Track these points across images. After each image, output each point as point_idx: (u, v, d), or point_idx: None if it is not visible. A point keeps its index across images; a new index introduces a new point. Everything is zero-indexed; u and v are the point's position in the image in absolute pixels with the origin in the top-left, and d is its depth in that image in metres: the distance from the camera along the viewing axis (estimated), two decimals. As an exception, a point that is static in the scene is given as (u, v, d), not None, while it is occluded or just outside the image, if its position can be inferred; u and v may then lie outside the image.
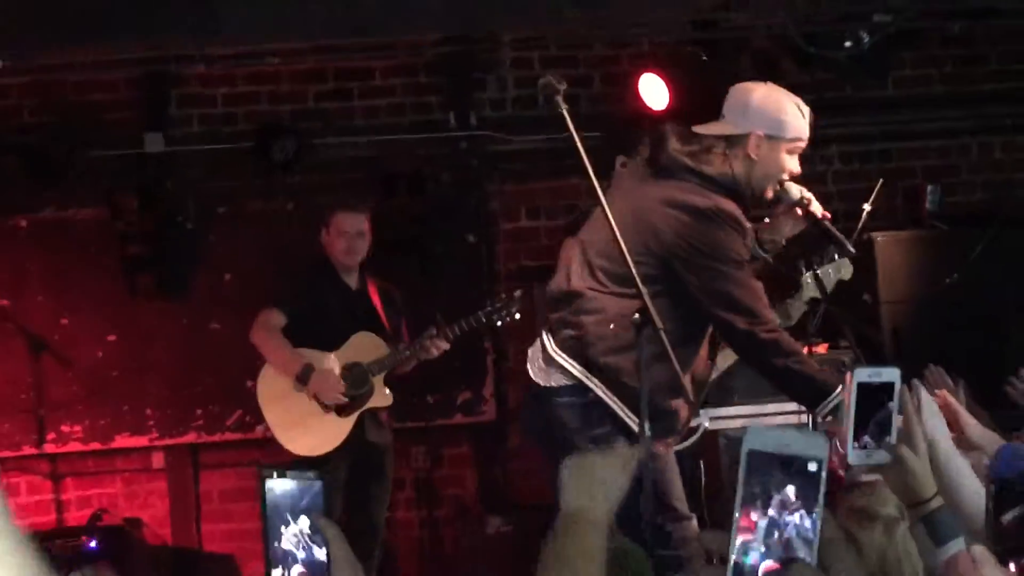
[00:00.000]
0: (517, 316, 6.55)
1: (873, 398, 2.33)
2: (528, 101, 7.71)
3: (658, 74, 7.14)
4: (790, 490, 1.73)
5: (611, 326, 4.52)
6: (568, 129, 4.52)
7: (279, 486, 2.35)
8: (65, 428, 7.53)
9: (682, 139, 4.72)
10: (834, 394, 4.32)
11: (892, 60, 7.25)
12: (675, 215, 4.52)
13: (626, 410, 4.50)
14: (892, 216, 7.33)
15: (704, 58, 7.11)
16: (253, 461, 7.65)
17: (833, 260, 5.20)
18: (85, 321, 7.57)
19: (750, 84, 4.82)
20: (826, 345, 6.14)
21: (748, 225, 4.61)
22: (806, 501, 1.73)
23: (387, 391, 6.49)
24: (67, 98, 7.57)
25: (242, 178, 7.58)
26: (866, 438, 2.31)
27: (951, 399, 3.40)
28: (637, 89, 7.21)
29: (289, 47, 7.44)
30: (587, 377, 4.56)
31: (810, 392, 4.46)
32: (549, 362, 4.66)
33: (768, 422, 5.90)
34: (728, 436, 6.19)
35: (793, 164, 4.66)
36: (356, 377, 6.37)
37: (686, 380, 4.55)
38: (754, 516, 1.74)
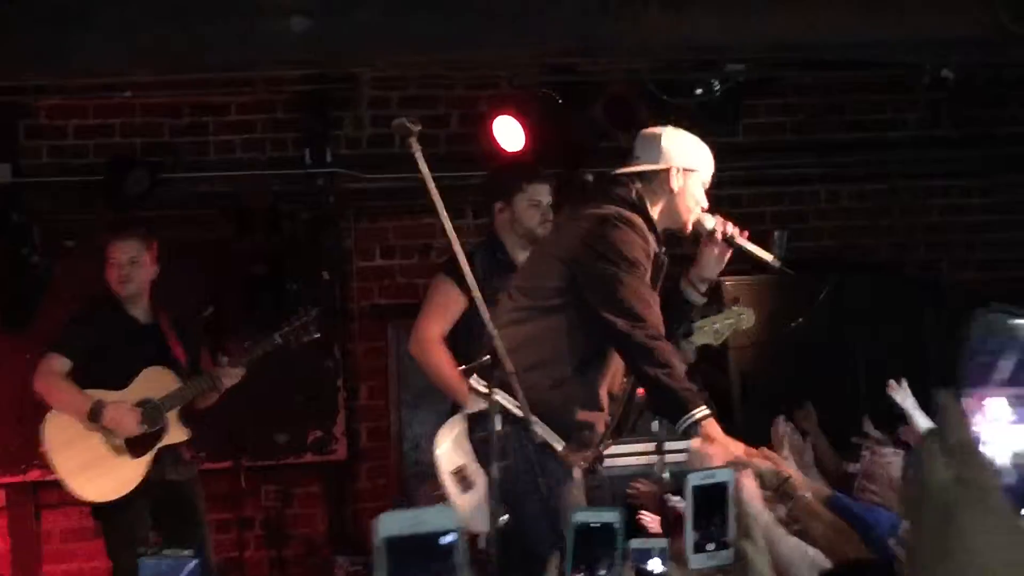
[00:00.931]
0: (316, 335, 6.37)
1: (709, 499, 2.35)
2: (385, 140, 7.71)
3: (513, 116, 7.20)
4: None
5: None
6: (420, 170, 4.57)
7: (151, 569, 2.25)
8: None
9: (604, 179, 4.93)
10: (695, 412, 4.39)
11: (743, 108, 7.41)
12: (582, 224, 4.66)
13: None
14: (740, 260, 7.44)
15: (559, 101, 7.19)
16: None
17: (731, 309, 5.34)
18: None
19: (656, 127, 5.05)
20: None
21: (652, 241, 4.71)
22: None
23: (183, 426, 6.23)
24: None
25: (92, 212, 7.44)
26: (707, 542, 2.32)
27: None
28: (492, 130, 7.26)
29: (144, 80, 7.36)
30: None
31: (672, 407, 4.49)
32: None
33: (618, 462, 5.96)
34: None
35: (701, 196, 4.86)
36: (149, 413, 6.11)
37: (602, 393, 4.64)
38: None
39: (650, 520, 5.54)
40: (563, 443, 4.56)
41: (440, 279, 5.68)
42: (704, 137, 7.71)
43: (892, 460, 4.59)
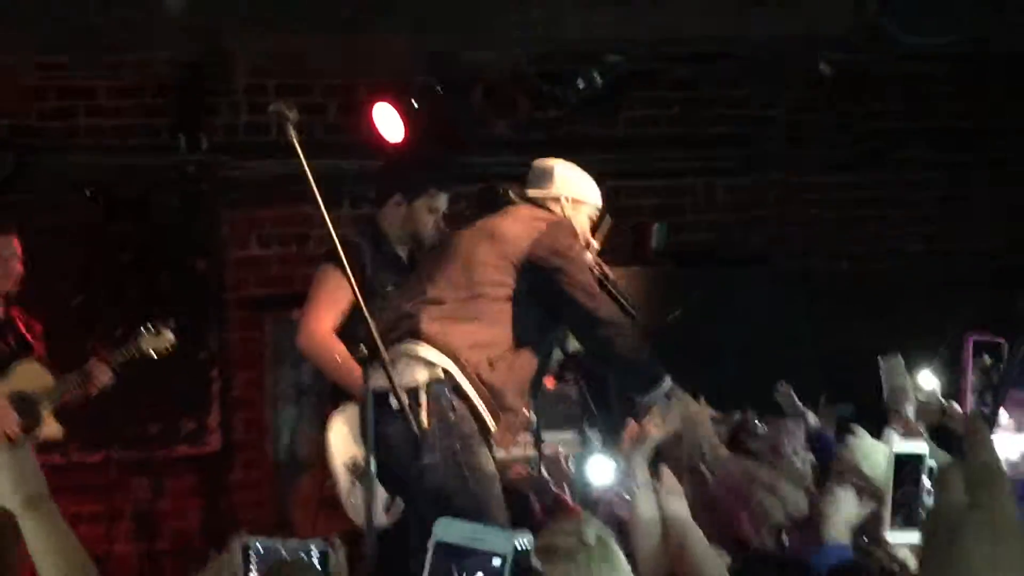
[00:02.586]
0: (170, 347, 6.31)
1: (905, 470, 2.28)
2: (261, 127, 7.59)
3: (393, 105, 7.13)
4: None
5: None
6: (298, 157, 4.51)
7: None
8: None
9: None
10: (664, 383, 4.67)
11: (622, 100, 7.43)
12: (533, 224, 4.83)
13: None
14: (619, 252, 7.46)
15: (439, 91, 7.14)
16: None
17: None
18: None
19: (548, 158, 5.23)
20: (552, 379, 6.19)
21: None
22: None
23: (56, 423, 6.09)
24: None
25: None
26: (905, 517, 2.26)
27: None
28: (372, 119, 7.19)
29: (10, 61, 7.17)
30: None
31: (643, 379, 4.74)
32: None
33: (498, 454, 5.92)
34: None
35: (588, 225, 5.06)
36: (25, 409, 5.97)
37: (526, 387, 4.80)
38: None
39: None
40: (494, 424, 4.67)
41: (326, 269, 5.49)
42: (584, 128, 7.79)
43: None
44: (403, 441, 4.55)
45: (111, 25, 6.31)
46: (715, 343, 7.32)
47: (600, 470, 4.79)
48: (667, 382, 4.69)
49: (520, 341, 4.75)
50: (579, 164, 7.85)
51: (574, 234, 4.89)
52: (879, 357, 4.93)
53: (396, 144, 7.23)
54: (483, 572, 1.61)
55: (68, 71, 7.40)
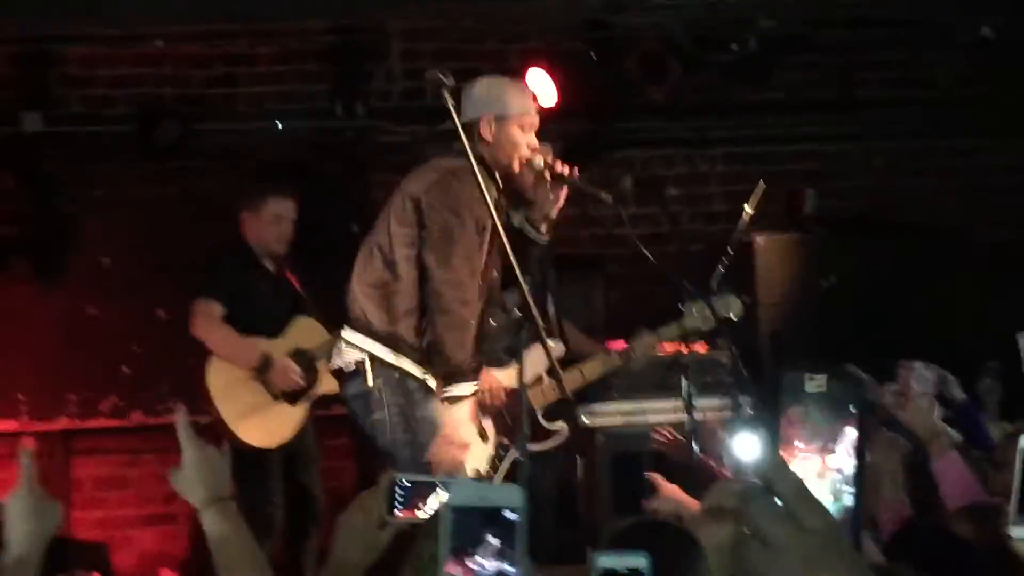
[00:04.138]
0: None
1: None
2: (416, 93, 7.68)
3: (546, 70, 7.16)
4: (490, 538, 1.72)
5: None
6: (454, 123, 4.60)
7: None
8: (-70, 411, 7.36)
9: None
10: (463, 384, 4.92)
11: (776, 65, 7.36)
12: (428, 175, 5.04)
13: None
14: (772, 219, 7.42)
15: (592, 55, 7.15)
16: (127, 448, 7.56)
17: (722, 297, 5.39)
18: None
19: (478, 78, 5.25)
20: (704, 345, 6.18)
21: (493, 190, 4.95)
22: (506, 547, 1.72)
23: (332, 377, 6.35)
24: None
25: (122, 162, 7.45)
26: None
27: None
28: (525, 84, 7.22)
29: (175, 30, 7.36)
30: None
31: (442, 367, 4.93)
32: None
33: (648, 420, 5.95)
34: (607, 433, 6.20)
35: (529, 138, 4.99)
36: (304, 364, 6.23)
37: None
38: (457, 568, 1.72)
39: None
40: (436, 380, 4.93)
41: None
42: (737, 94, 7.73)
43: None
44: (356, 399, 5.03)
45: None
46: (869, 309, 7.23)
47: (747, 445, 4.77)
48: (460, 389, 4.97)
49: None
50: (732, 129, 7.94)
51: (460, 198, 4.89)
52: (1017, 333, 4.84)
53: (548, 110, 7.27)
54: (501, 527, 1.66)
55: (230, 39, 7.56)
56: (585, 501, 6.20)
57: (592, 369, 5.29)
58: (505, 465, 5.31)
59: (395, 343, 4.95)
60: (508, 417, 5.36)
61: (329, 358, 6.19)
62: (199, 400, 6.10)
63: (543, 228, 5.05)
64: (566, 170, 4.97)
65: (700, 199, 8.01)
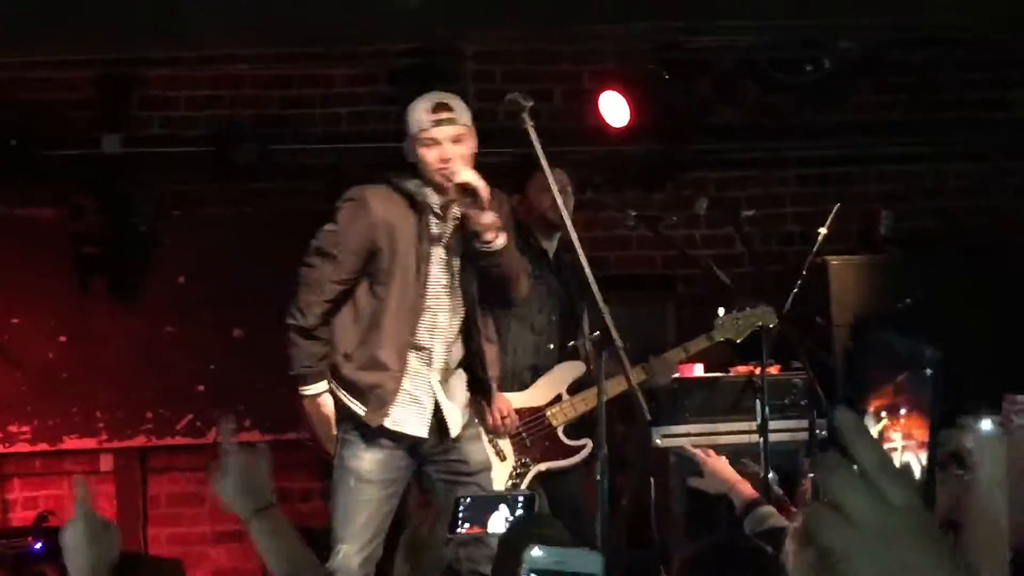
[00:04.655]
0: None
1: None
2: (488, 114, 7.70)
3: (619, 91, 7.18)
4: None
5: None
6: (532, 145, 4.62)
7: None
8: (13, 428, 7.47)
9: None
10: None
11: (853, 86, 7.33)
12: None
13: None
14: (847, 240, 7.38)
15: (666, 77, 7.15)
16: (202, 466, 7.63)
17: (753, 308, 5.42)
18: (37, 321, 7.50)
19: None
20: (779, 367, 6.16)
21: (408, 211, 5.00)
22: None
23: None
24: (26, 96, 7.51)
25: (200, 182, 7.55)
26: None
27: None
28: (598, 105, 7.25)
29: (253, 52, 7.45)
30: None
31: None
32: None
33: (720, 441, 5.93)
34: (679, 455, 6.18)
35: (433, 154, 4.95)
36: None
37: (387, 354, 4.90)
38: None
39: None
40: (364, 408, 4.90)
41: None
42: (812, 114, 7.68)
43: None
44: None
45: (349, 16, 6.50)
46: (944, 330, 7.15)
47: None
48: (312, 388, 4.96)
49: (360, 320, 4.95)
50: (807, 150, 7.91)
51: (333, 223, 5.08)
52: None
53: (620, 131, 7.29)
54: None
55: (306, 61, 7.64)
56: (658, 522, 6.19)
57: (612, 387, 5.28)
58: (525, 483, 5.41)
59: None
60: (527, 438, 5.45)
61: None
62: (289, 417, 6.16)
63: (487, 237, 4.98)
64: (459, 178, 4.88)
65: (774, 220, 7.98)
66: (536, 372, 5.64)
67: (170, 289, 7.50)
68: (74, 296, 7.46)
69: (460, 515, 2.75)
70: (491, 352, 5.31)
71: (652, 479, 6.17)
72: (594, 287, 4.38)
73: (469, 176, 4.79)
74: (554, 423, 5.51)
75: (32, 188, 7.42)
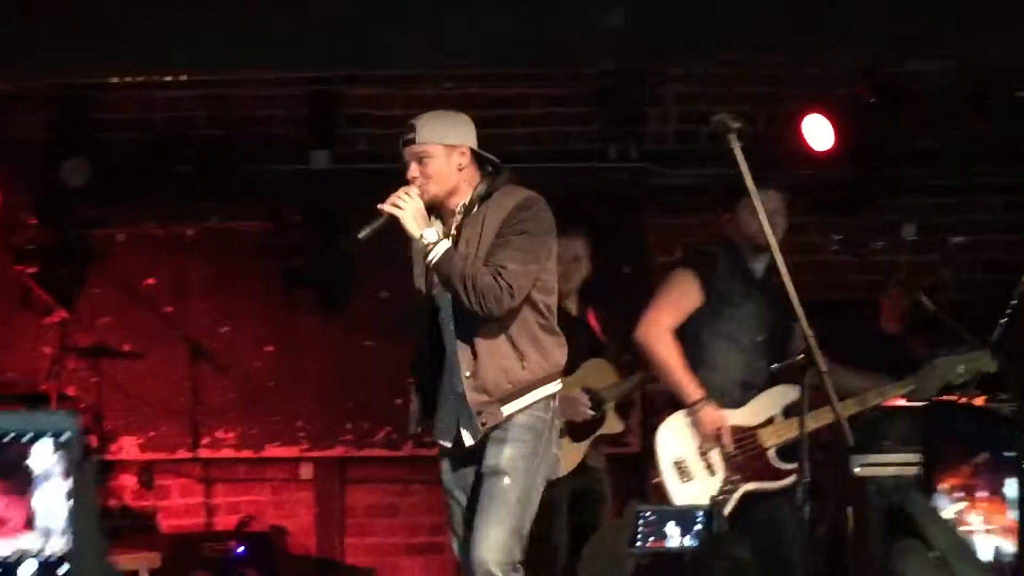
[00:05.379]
0: None
1: None
2: (690, 135, 7.72)
3: (824, 115, 7.11)
4: None
5: None
6: (739, 167, 4.60)
7: None
8: (219, 434, 7.71)
9: None
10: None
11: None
12: None
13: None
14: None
15: (870, 102, 7.06)
16: (398, 478, 7.77)
17: (971, 352, 5.32)
18: (244, 331, 7.74)
19: None
20: (984, 397, 6.02)
21: None
22: None
23: (618, 418, 6.40)
24: (238, 112, 7.76)
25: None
26: None
27: None
28: (800, 130, 7.20)
29: (452, 73, 7.57)
30: None
31: None
32: None
33: (919, 472, 5.83)
34: (877, 484, 6.09)
35: (411, 170, 4.89)
36: (592, 403, 6.26)
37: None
38: None
39: None
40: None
41: (679, 272, 5.72)
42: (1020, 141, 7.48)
43: None
44: None
45: (550, 37, 6.56)
46: None
47: None
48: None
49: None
50: (1013, 176, 7.70)
51: None
52: None
53: (823, 155, 7.22)
54: None
55: (504, 81, 7.73)
56: (854, 553, 6.10)
57: (822, 416, 5.21)
58: (733, 501, 5.35)
59: None
60: (741, 455, 5.42)
61: (616, 399, 6.33)
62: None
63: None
64: (386, 209, 4.85)
65: (980, 247, 7.80)
66: (747, 388, 5.60)
67: (372, 303, 7.65)
68: (281, 308, 7.68)
69: (639, 530, 2.75)
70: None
71: (849, 508, 6.09)
72: (799, 311, 4.34)
73: (384, 205, 4.81)
74: (765, 444, 5.48)
75: (242, 201, 7.65)
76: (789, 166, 7.11)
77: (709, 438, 5.46)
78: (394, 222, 4.81)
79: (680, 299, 5.65)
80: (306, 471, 7.82)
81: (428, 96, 7.76)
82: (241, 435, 7.73)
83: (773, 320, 5.60)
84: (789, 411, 5.53)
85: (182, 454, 7.70)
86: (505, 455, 4.72)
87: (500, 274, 4.65)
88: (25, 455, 1.49)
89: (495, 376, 4.73)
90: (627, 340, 6.50)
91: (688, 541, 2.72)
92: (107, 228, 7.79)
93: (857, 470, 5.99)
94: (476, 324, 4.75)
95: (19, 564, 1.37)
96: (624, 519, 2.77)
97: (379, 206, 4.82)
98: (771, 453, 5.53)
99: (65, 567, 1.35)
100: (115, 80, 7.32)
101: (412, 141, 4.90)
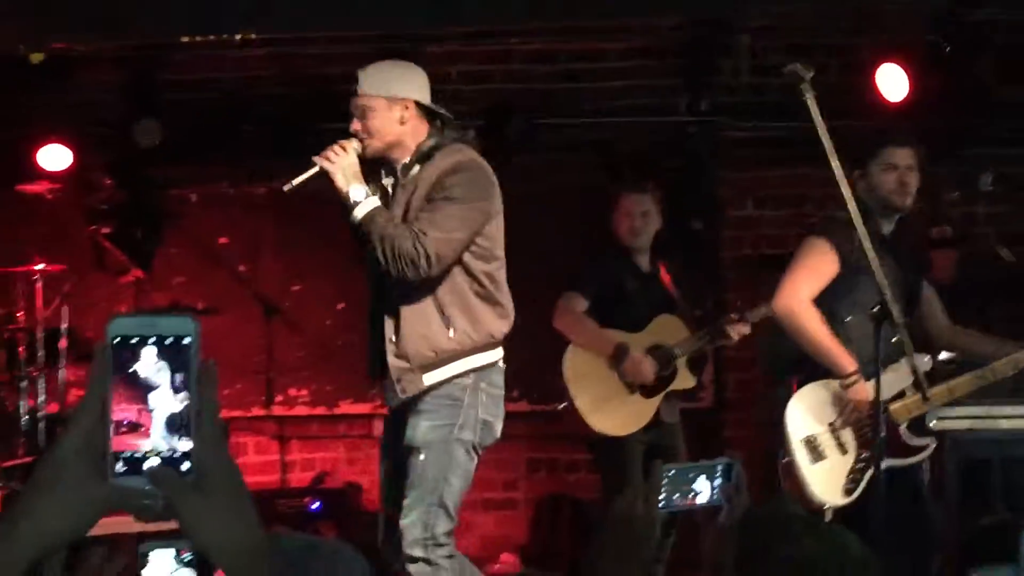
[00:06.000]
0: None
1: None
2: (762, 88, 7.63)
3: (898, 64, 7.00)
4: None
5: None
6: (812, 118, 4.54)
7: None
8: (293, 392, 7.77)
9: None
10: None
11: None
12: None
13: None
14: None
15: (947, 50, 6.94)
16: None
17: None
18: (316, 289, 7.79)
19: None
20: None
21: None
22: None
23: (690, 374, 6.41)
24: (307, 71, 7.77)
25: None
26: None
27: None
28: (875, 80, 7.09)
29: (523, 27, 7.52)
30: None
31: None
32: None
33: (999, 425, 5.73)
34: (955, 438, 6.00)
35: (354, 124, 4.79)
36: (661, 359, 6.27)
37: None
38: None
39: None
40: None
41: (815, 241, 5.38)
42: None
43: None
44: None
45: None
46: None
47: None
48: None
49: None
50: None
51: None
52: None
53: (898, 105, 7.12)
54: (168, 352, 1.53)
55: (576, 35, 7.68)
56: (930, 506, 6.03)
57: (962, 386, 5.10)
58: (866, 479, 5.17)
59: None
60: (870, 431, 5.22)
61: (687, 355, 6.31)
62: (553, 389, 6.25)
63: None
64: (320, 163, 4.77)
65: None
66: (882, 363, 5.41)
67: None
68: (352, 265, 7.68)
69: (665, 489, 2.73)
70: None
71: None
72: (879, 273, 4.27)
73: (317, 158, 4.70)
74: (897, 419, 5.28)
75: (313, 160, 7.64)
76: (863, 117, 7.03)
77: (855, 414, 5.19)
78: (324, 175, 4.70)
79: (818, 268, 5.31)
80: (379, 428, 7.83)
81: (499, 51, 7.75)
82: (314, 392, 7.78)
83: (904, 283, 5.38)
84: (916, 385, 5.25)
85: (257, 411, 7.77)
86: (420, 429, 4.64)
87: (419, 239, 4.56)
88: (141, 358, 1.50)
89: (416, 343, 4.65)
90: (699, 295, 6.50)
91: (715, 497, 2.69)
92: (180, 188, 7.85)
93: (933, 424, 5.89)
94: (404, 289, 4.67)
95: (144, 460, 1.39)
96: (654, 479, 2.72)
97: (313, 158, 4.72)
98: (903, 428, 5.35)
99: (187, 464, 1.37)
100: (185, 39, 7.34)
101: (355, 92, 4.79)
